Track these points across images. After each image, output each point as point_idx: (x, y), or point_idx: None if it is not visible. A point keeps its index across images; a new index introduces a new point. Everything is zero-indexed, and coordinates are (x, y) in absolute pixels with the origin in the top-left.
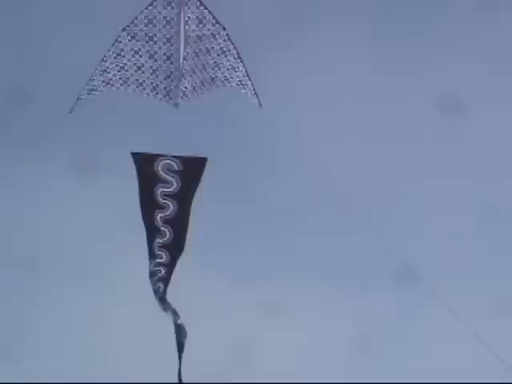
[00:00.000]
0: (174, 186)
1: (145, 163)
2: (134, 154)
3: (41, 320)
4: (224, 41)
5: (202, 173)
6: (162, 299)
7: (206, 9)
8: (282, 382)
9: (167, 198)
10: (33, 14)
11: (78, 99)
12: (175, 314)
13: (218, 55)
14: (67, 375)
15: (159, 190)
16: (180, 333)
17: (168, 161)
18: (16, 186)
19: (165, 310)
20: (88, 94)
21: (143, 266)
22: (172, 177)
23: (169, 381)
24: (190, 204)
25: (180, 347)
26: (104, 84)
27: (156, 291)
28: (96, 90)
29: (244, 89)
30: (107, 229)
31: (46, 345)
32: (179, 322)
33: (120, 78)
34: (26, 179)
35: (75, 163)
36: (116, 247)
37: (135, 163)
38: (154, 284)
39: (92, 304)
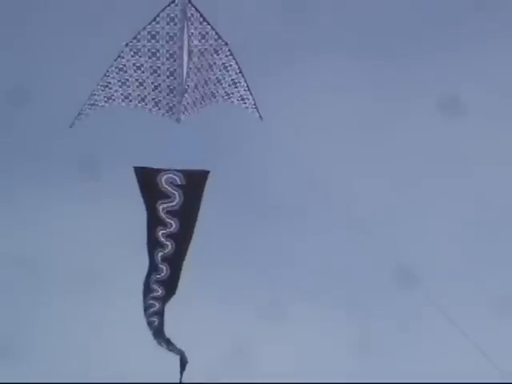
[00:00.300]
0: (177, 200)
1: (147, 177)
2: (136, 169)
3: (43, 331)
4: (226, 56)
5: (204, 186)
6: (152, 314)
7: (209, 24)
8: (282, 382)
9: (170, 212)
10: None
11: (79, 114)
12: (158, 336)
13: (220, 70)
14: (68, 376)
15: (162, 205)
16: (181, 360)
17: (170, 174)
18: (16, 195)
19: (150, 326)
20: (89, 108)
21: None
22: (175, 190)
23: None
24: (193, 218)
25: (182, 368)
26: (106, 99)
27: (146, 308)
28: (97, 105)
29: (245, 103)
30: (110, 243)
31: (47, 346)
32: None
33: (122, 94)
34: (27, 191)
35: (76, 177)
36: (118, 261)
37: (137, 177)
38: (145, 302)
39: (93, 310)
